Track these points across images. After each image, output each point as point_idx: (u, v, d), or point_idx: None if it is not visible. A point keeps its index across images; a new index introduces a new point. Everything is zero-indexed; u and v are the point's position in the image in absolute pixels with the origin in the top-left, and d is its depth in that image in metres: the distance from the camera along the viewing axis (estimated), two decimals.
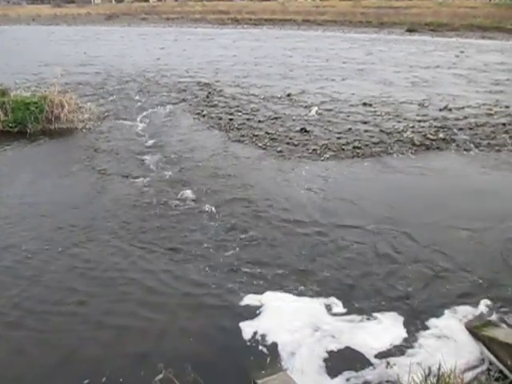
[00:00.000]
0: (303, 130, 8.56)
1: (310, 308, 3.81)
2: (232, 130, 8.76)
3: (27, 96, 9.03)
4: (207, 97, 11.48)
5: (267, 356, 3.32)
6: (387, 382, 2.99)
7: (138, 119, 9.61)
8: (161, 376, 3.03)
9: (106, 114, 9.95)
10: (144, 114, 10.05)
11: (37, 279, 4.24)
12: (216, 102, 10.87)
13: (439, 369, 2.75)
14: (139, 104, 10.87)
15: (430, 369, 2.91)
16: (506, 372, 3.11)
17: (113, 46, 21.85)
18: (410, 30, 27.46)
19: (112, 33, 28.74)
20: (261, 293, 3.99)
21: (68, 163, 7.17)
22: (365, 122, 9.08)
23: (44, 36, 27.00)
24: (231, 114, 9.82)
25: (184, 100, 11.23)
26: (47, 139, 8.42)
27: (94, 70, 15.50)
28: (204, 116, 9.76)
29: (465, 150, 7.66)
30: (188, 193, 5.99)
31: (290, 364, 3.21)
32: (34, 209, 5.63)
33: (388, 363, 3.23)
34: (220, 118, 9.50)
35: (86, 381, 3.12)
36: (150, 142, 8.10)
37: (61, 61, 16.46)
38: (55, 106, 8.82)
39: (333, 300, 3.90)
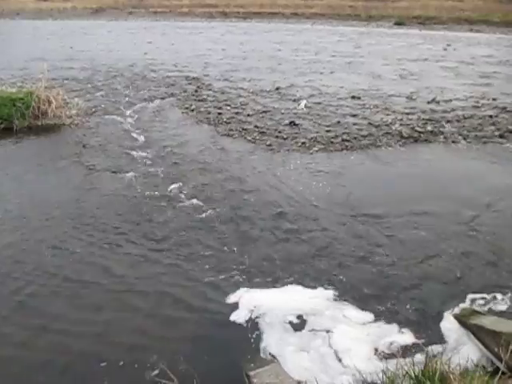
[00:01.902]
0: (292, 124, 8.56)
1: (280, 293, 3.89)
2: (221, 124, 8.72)
3: (13, 92, 8.84)
4: (196, 91, 11.41)
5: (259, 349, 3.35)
6: (375, 370, 3.03)
7: (127, 114, 9.52)
8: (155, 370, 3.05)
9: (94, 109, 9.82)
10: (132, 108, 9.95)
11: (27, 278, 4.20)
12: (205, 97, 10.82)
13: (426, 355, 2.79)
14: (127, 99, 10.76)
15: (417, 355, 2.96)
16: (494, 359, 3.16)
17: (99, 41, 21.52)
18: (399, 24, 27.54)
19: (98, 27, 28.28)
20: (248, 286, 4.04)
21: (56, 159, 7.09)
22: (353, 115, 9.12)
23: (29, 31, 26.47)
24: (220, 108, 9.78)
25: (172, 94, 11.15)
26: (34, 135, 8.29)
27: (80, 64, 15.26)
28: (193, 110, 9.70)
29: (452, 142, 7.74)
30: (177, 187, 5.98)
31: None
32: (19, 206, 5.55)
33: (376, 350, 3.29)
34: (209, 113, 9.45)
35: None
36: (139, 137, 8.04)
37: (47, 56, 16.18)
38: (42, 102, 8.66)
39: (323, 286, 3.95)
